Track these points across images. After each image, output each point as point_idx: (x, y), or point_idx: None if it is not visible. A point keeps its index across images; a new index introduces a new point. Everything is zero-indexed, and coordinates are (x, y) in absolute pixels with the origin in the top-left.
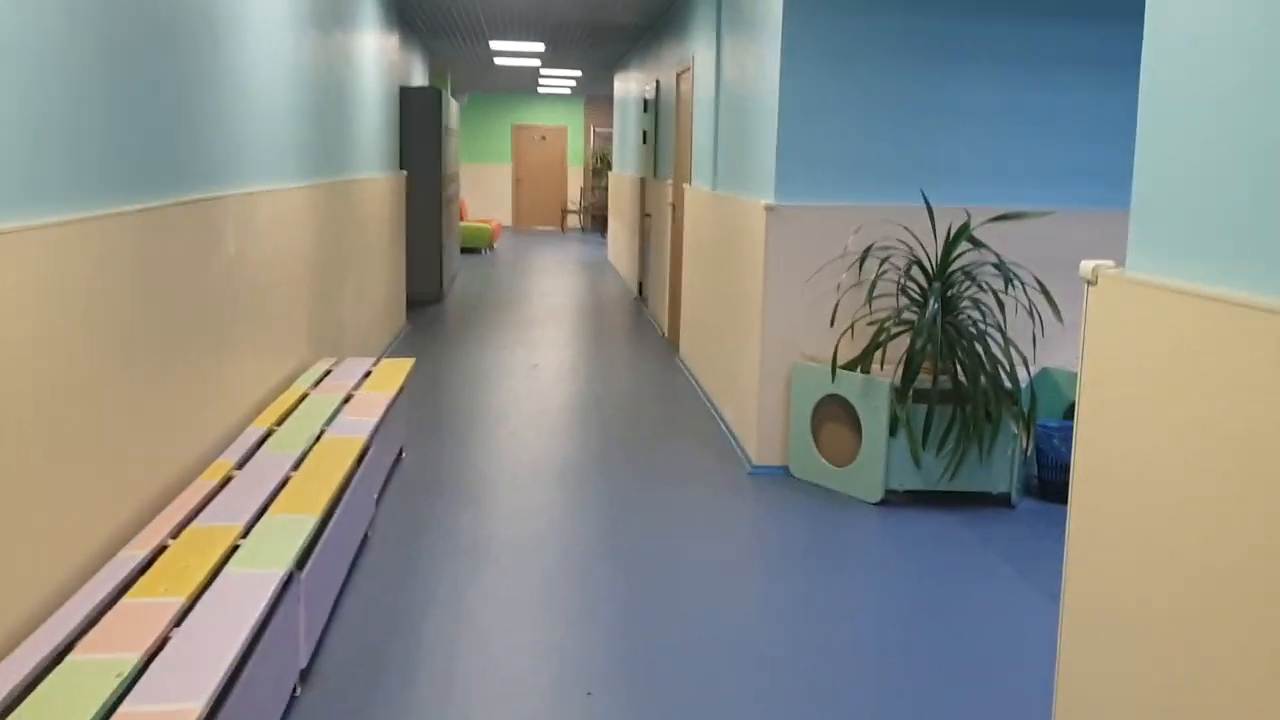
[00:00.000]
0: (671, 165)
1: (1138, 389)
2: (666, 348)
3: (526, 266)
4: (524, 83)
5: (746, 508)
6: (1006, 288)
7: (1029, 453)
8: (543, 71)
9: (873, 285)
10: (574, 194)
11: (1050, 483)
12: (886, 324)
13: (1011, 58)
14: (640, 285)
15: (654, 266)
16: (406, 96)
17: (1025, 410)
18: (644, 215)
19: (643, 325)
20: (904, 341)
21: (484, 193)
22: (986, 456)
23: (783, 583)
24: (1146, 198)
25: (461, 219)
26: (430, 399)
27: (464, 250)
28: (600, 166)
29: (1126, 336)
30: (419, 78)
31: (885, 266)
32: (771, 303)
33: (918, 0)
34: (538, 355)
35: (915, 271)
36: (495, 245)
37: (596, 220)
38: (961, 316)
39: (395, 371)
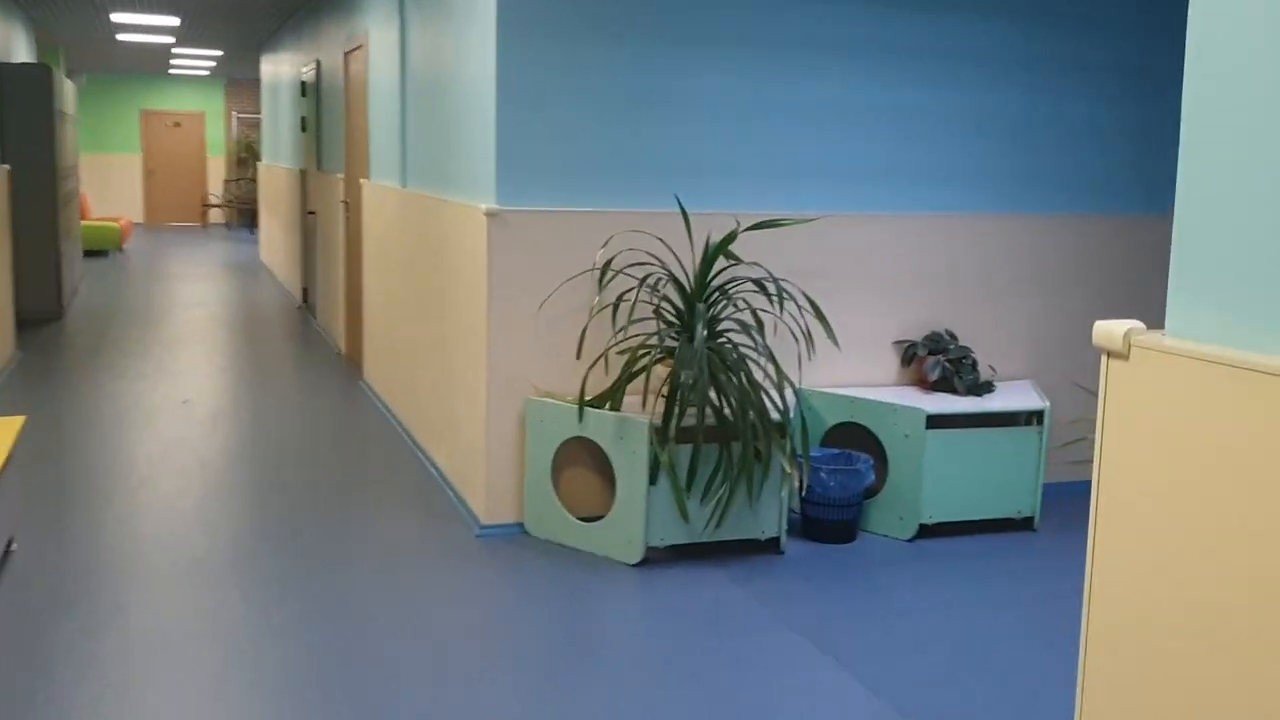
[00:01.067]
0: (342, 157)
1: (1178, 487)
2: (347, 370)
3: (165, 271)
4: (154, 63)
5: (476, 584)
6: (782, 309)
7: (803, 492)
8: (176, 50)
9: (618, 306)
10: (216, 186)
11: (814, 520)
12: (640, 353)
13: (786, 43)
14: (305, 292)
15: (324, 272)
16: (6, 75)
17: (796, 443)
18: (307, 213)
19: (313, 342)
20: (663, 372)
21: (109, 187)
22: (756, 499)
23: (527, 690)
24: (1195, 238)
25: (83, 218)
26: (51, 459)
27: (88, 253)
28: (247, 156)
29: (1168, 423)
30: (22, 53)
31: (635, 284)
32: (498, 327)
33: None
34: (188, 387)
35: (672, 290)
36: (125, 246)
37: (244, 215)
38: (723, 340)
39: None
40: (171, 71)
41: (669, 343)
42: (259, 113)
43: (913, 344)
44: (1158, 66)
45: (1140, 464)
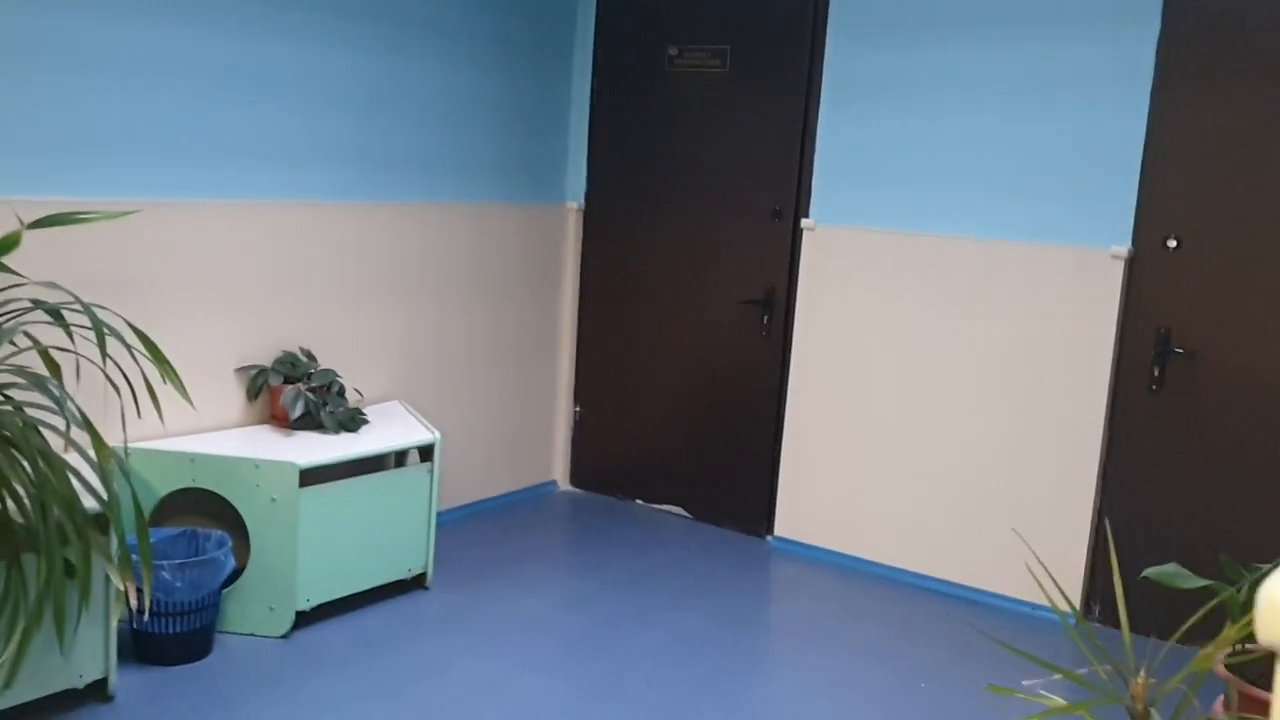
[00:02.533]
0: None
1: None
2: None
3: None
4: None
5: None
6: (104, 350)
7: (145, 615)
8: None
9: None
10: None
11: (152, 637)
12: None
13: None
14: None
15: None
16: None
17: (127, 534)
18: None
19: None
20: None
21: None
22: (73, 635)
23: None
24: None
25: None
26: None
27: None
28: None
29: None
30: None
31: None
32: None
33: None
34: None
35: None
36: None
37: None
38: (4, 401)
39: None
40: None
41: None
42: None
43: (262, 370)
44: (519, 35)
45: None
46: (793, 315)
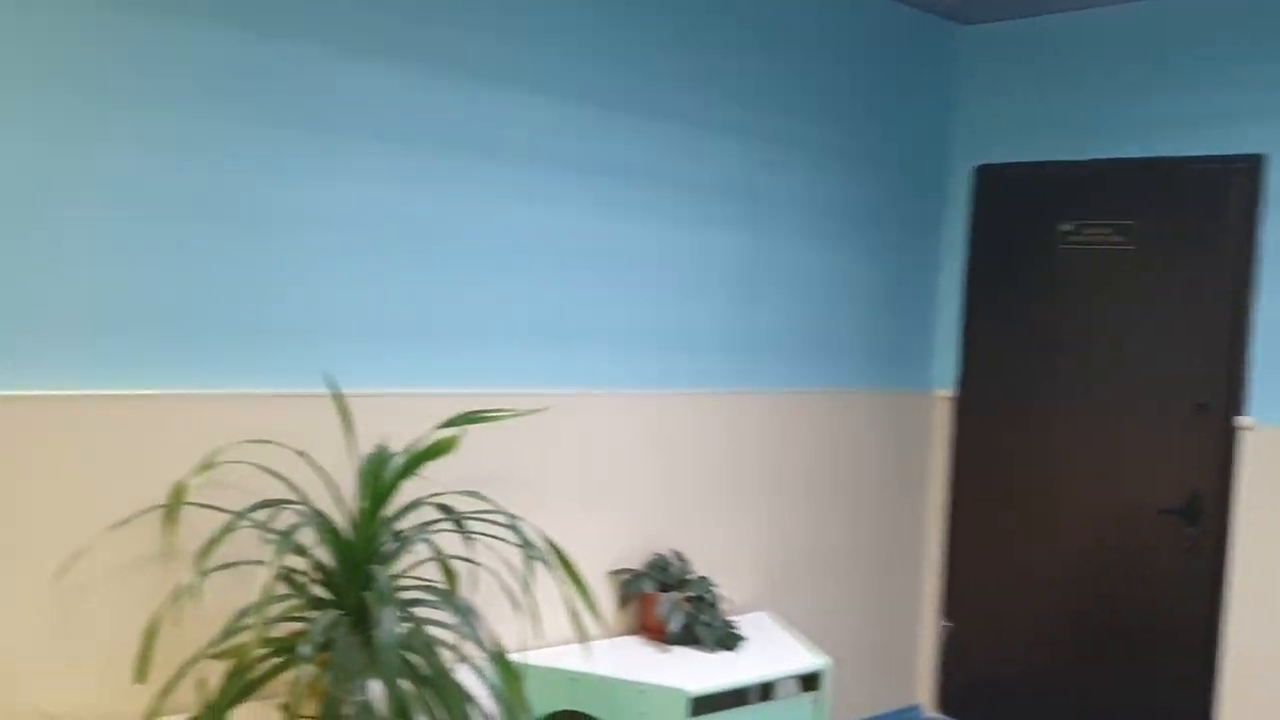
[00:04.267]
0: None
1: None
2: None
3: None
4: None
5: None
6: (531, 564)
7: None
8: None
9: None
10: None
11: None
12: (261, 652)
13: (463, 144)
14: None
15: None
16: None
17: None
18: None
19: None
20: (306, 684)
21: None
22: None
23: None
24: None
25: None
26: None
27: None
28: None
29: None
30: None
31: (250, 531)
32: None
33: None
34: None
35: (315, 539)
36: None
37: None
38: (414, 625)
39: None
40: None
41: (323, 634)
42: None
43: (634, 575)
44: (885, 211)
45: None
46: (1228, 530)
